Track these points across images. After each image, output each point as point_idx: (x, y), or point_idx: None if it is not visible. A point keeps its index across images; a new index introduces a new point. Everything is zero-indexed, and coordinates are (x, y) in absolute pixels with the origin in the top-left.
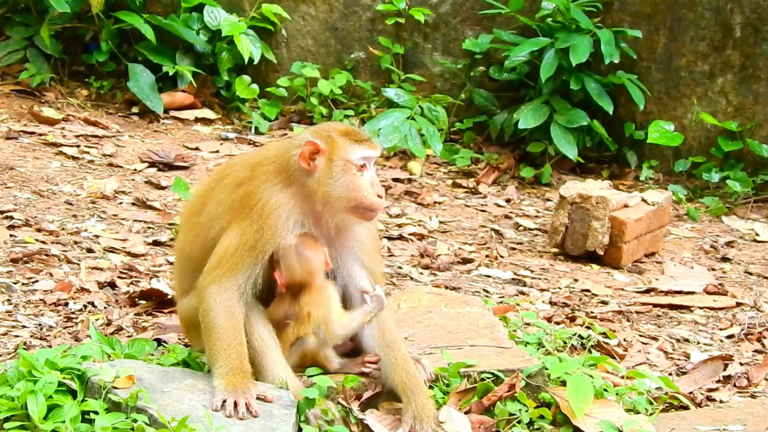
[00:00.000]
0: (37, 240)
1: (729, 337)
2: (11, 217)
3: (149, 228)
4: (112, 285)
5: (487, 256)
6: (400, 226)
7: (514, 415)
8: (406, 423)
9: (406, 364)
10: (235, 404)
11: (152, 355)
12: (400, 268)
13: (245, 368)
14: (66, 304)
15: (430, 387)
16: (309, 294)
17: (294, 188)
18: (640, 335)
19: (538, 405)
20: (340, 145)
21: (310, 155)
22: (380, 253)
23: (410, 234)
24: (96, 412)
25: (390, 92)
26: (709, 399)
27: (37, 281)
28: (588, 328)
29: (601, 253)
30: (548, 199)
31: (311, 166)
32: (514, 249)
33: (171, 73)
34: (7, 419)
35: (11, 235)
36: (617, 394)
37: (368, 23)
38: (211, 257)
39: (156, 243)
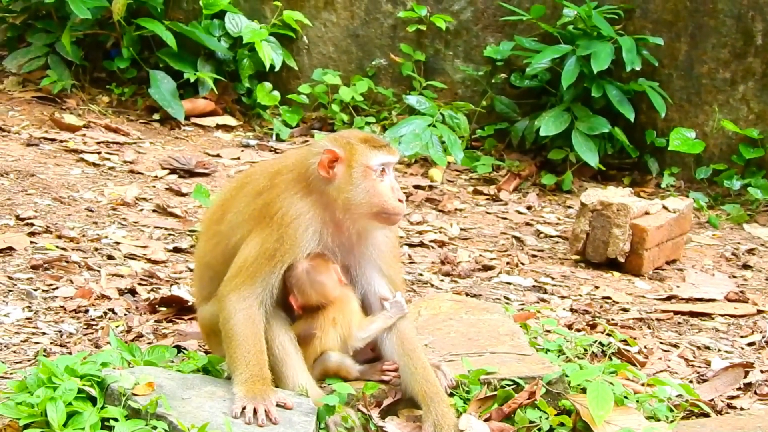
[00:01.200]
0: (57, 247)
1: (750, 344)
2: (32, 224)
3: (170, 235)
4: (133, 292)
5: (507, 263)
6: (420, 233)
7: (534, 422)
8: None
9: (425, 373)
10: (255, 411)
11: (172, 362)
12: (420, 275)
13: (265, 375)
14: (86, 311)
15: (450, 394)
16: (331, 305)
17: (313, 197)
18: (661, 342)
19: (559, 412)
20: (360, 151)
21: (329, 163)
22: (400, 261)
23: (431, 241)
24: (116, 419)
25: (411, 99)
26: (730, 406)
27: (57, 288)
28: (609, 335)
29: (622, 260)
30: (569, 207)
31: (330, 174)
32: (535, 256)
33: (192, 80)
34: (27, 426)
35: (32, 242)
36: (638, 401)
37: (390, 30)
38: (231, 266)
39: (176, 250)
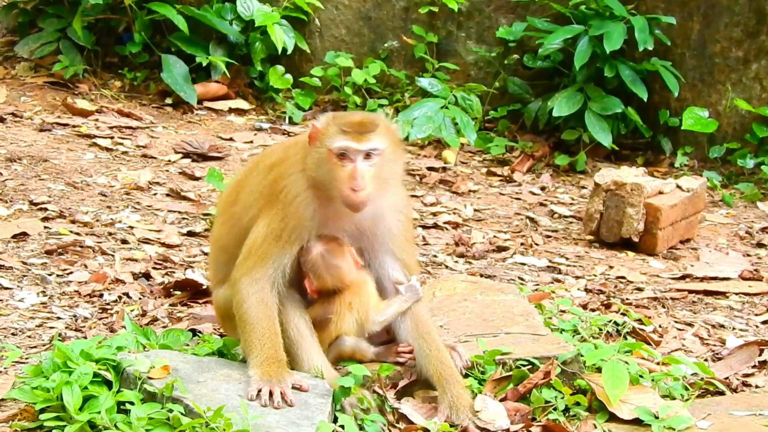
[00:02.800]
0: (71, 232)
1: (764, 322)
2: (45, 209)
3: (183, 219)
4: (147, 276)
5: (522, 243)
6: (434, 214)
7: (550, 402)
8: (442, 413)
9: (440, 355)
10: (271, 393)
11: (187, 345)
12: (435, 256)
13: (280, 357)
14: (101, 296)
15: (466, 375)
16: (347, 289)
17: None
18: (676, 321)
19: (574, 392)
20: (328, 132)
21: (312, 137)
22: (414, 243)
23: (445, 222)
24: (132, 403)
25: (424, 82)
26: (745, 384)
27: (71, 273)
28: (623, 314)
29: (636, 239)
30: (583, 187)
31: (311, 148)
32: (549, 237)
33: (204, 64)
34: (42, 410)
35: (46, 227)
36: (653, 380)
37: (402, 12)
38: (243, 248)
39: (190, 234)
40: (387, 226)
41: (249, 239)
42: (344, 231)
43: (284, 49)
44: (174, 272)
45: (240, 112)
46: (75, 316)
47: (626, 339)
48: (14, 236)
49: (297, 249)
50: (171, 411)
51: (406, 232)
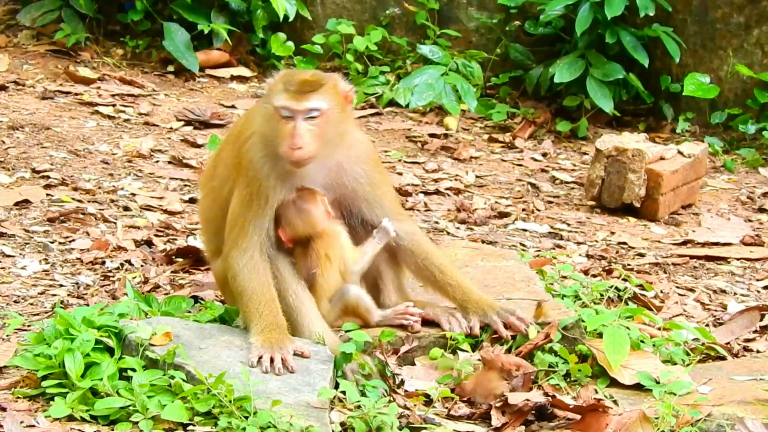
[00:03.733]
0: (73, 199)
1: (766, 287)
2: (48, 177)
3: (185, 186)
4: (149, 243)
5: (523, 209)
6: (436, 181)
7: (553, 367)
8: (460, 322)
9: (445, 278)
10: (272, 360)
11: (189, 312)
12: (436, 222)
13: (280, 323)
14: (103, 263)
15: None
16: (320, 239)
17: None
18: (677, 287)
19: (579, 361)
20: (275, 89)
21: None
22: (389, 187)
23: (447, 189)
24: (133, 370)
25: (425, 49)
26: (746, 349)
27: (73, 240)
28: (625, 280)
29: (638, 205)
30: (584, 153)
31: None
32: (551, 202)
33: (206, 32)
34: (45, 377)
35: (48, 195)
36: (654, 345)
37: None
38: (227, 223)
39: (192, 201)
40: (352, 177)
41: (229, 212)
42: (315, 185)
43: (286, 17)
44: (176, 239)
45: (242, 79)
46: (77, 283)
47: (627, 304)
48: (16, 204)
49: (272, 210)
50: (173, 377)
51: (374, 179)
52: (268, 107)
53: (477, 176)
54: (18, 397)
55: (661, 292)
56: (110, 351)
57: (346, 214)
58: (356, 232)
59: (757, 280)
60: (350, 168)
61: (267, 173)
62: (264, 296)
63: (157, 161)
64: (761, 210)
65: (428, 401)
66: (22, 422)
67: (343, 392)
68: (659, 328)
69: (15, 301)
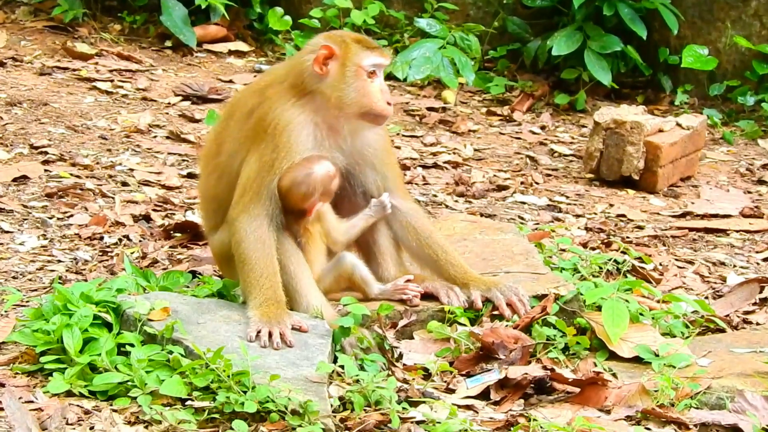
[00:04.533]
0: (71, 174)
1: (765, 259)
2: (46, 153)
3: (183, 161)
4: (147, 218)
5: (522, 182)
6: (434, 154)
7: (552, 340)
8: (458, 296)
9: (448, 257)
10: (270, 334)
11: (187, 287)
12: (435, 196)
13: (279, 298)
14: (101, 238)
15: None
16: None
17: (305, 100)
18: (676, 259)
19: (577, 332)
20: (353, 50)
21: (323, 60)
22: (394, 158)
23: (445, 162)
24: (132, 345)
25: (422, 22)
26: (746, 321)
27: (72, 215)
28: (623, 253)
29: (637, 177)
30: (583, 126)
31: (324, 71)
32: (549, 175)
33: (203, 6)
34: (43, 353)
35: (46, 170)
36: (653, 318)
37: None
38: (236, 188)
39: (190, 175)
40: (368, 141)
41: (242, 178)
42: (335, 150)
43: None
44: (174, 214)
45: (239, 54)
46: (75, 259)
47: (626, 277)
48: (15, 180)
49: None
50: (171, 352)
51: (385, 146)
52: (350, 69)
53: (475, 149)
54: (16, 373)
55: (660, 264)
56: (108, 326)
57: (349, 183)
58: (356, 204)
59: (757, 252)
60: (369, 132)
61: (304, 139)
62: (266, 268)
63: (155, 136)
64: (760, 182)
65: (427, 375)
66: (20, 398)
67: (342, 366)
68: (658, 301)
69: (13, 277)
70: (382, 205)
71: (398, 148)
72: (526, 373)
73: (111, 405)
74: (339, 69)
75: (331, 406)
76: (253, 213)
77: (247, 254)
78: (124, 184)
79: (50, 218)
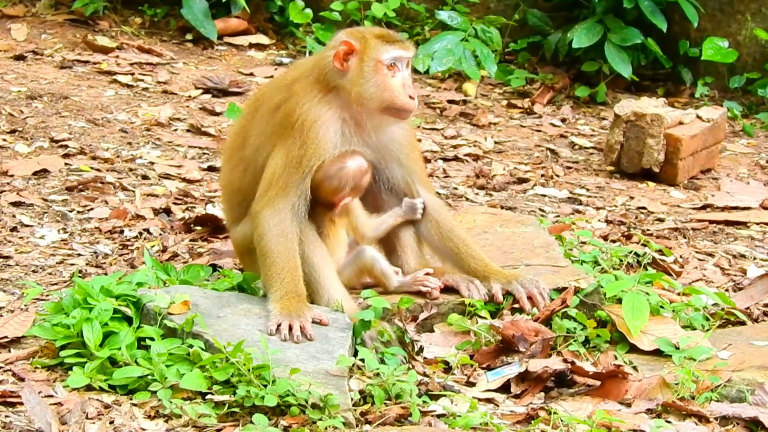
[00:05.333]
0: (92, 168)
1: None
2: (66, 146)
3: (204, 154)
4: (168, 211)
5: (542, 175)
6: (455, 147)
7: (572, 333)
8: (479, 289)
9: (469, 250)
10: (290, 328)
11: (207, 280)
12: (455, 188)
13: (300, 292)
14: (121, 232)
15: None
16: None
17: (331, 95)
18: (697, 252)
19: (597, 325)
20: (372, 45)
21: (344, 56)
22: (419, 152)
23: (465, 155)
24: (152, 339)
25: (443, 15)
26: (766, 314)
27: (92, 209)
28: (644, 245)
29: (657, 170)
30: (603, 118)
31: (344, 67)
32: (570, 168)
33: (224, 0)
34: (63, 347)
35: (66, 164)
36: (673, 310)
37: None
38: (261, 182)
39: (211, 169)
40: (393, 136)
41: (267, 172)
42: (362, 145)
43: None
44: (194, 207)
45: (260, 47)
46: (95, 252)
47: (647, 270)
48: (35, 173)
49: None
50: (191, 346)
51: (410, 140)
52: (369, 64)
53: (496, 142)
54: (36, 367)
55: (681, 257)
56: (128, 320)
57: (374, 178)
58: (380, 199)
59: None
60: (395, 126)
61: (332, 135)
62: (288, 262)
63: (176, 129)
64: None
65: (447, 368)
66: (40, 392)
67: (362, 360)
68: (678, 294)
69: (33, 271)
70: (413, 207)
71: (419, 140)
72: (547, 366)
73: (131, 399)
74: (358, 64)
75: (352, 399)
76: (277, 207)
77: (269, 248)
78: (145, 177)
79: (70, 212)
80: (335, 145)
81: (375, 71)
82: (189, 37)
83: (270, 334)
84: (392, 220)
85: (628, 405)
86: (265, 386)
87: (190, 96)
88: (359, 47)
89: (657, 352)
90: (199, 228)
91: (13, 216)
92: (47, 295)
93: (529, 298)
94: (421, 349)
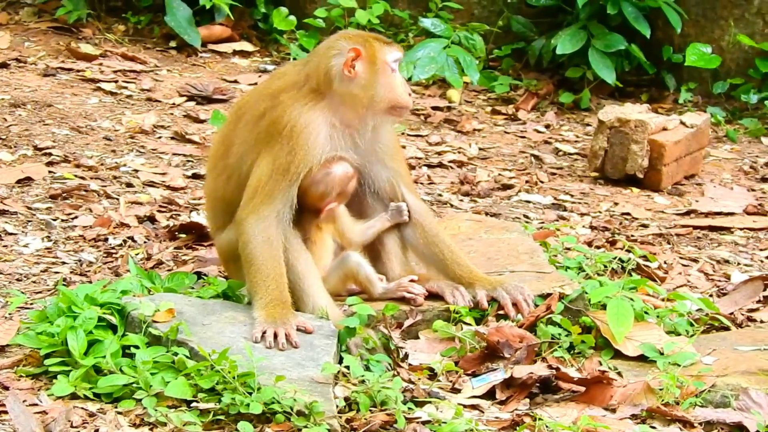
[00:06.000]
0: (76, 176)
1: None
2: (50, 154)
3: (188, 161)
4: (152, 219)
5: (527, 181)
6: (439, 153)
7: (557, 339)
8: (463, 296)
9: (454, 256)
10: (275, 335)
11: (192, 288)
12: (440, 195)
13: (285, 299)
14: (105, 240)
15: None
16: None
17: (324, 103)
18: (681, 257)
19: (582, 331)
20: (377, 48)
21: (351, 62)
22: (404, 156)
23: (450, 161)
24: (137, 347)
25: (426, 22)
26: (750, 319)
27: (76, 217)
28: (628, 251)
29: (641, 176)
30: (587, 124)
31: (352, 73)
32: (554, 174)
33: (208, 7)
34: (47, 355)
35: (50, 172)
36: (658, 316)
37: None
38: (246, 189)
39: (195, 176)
40: (380, 138)
41: (253, 179)
42: (349, 149)
43: None
44: (179, 215)
45: (244, 54)
46: (80, 260)
47: (631, 276)
48: (19, 181)
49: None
50: (176, 354)
51: (395, 142)
52: (378, 67)
53: (480, 149)
54: (21, 376)
55: (665, 262)
56: (113, 328)
57: (360, 183)
58: (365, 204)
59: (761, 249)
60: (383, 128)
61: (322, 141)
62: (273, 269)
63: (160, 137)
64: (764, 179)
65: (432, 375)
66: (24, 401)
67: (347, 367)
68: (663, 299)
69: (17, 279)
70: (399, 211)
71: (403, 147)
72: (532, 373)
73: (116, 407)
74: (369, 68)
75: (337, 406)
76: (263, 214)
77: (255, 255)
78: (129, 185)
79: (54, 220)
80: (324, 151)
81: (383, 73)
82: (173, 44)
83: (255, 342)
84: (379, 225)
85: (613, 411)
86: (251, 394)
87: (174, 103)
88: (365, 52)
89: (641, 358)
90: (183, 236)
91: None
92: (31, 304)
93: (514, 304)
94: (406, 355)
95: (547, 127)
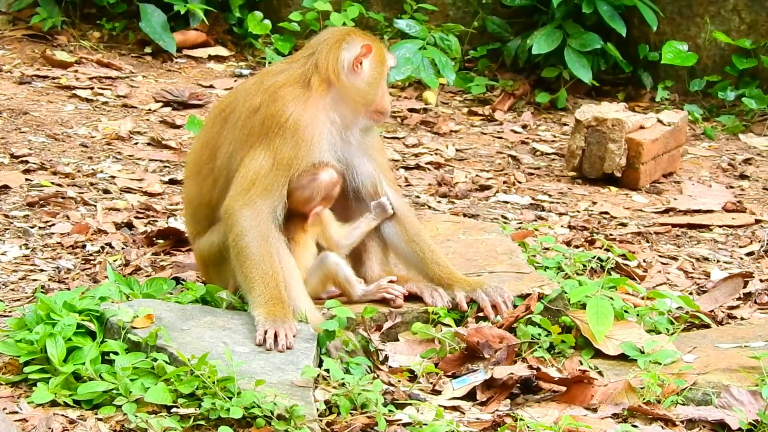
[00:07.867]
0: (53, 183)
1: (749, 254)
2: (27, 162)
3: (165, 167)
4: (130, 225)
5: (504, 182)
6: (416, 155)
7: (536, 339)
8: (442, 297)
9: (434, 256)
10: (276, 336)
11: (171, 293)
12: (417, 197)
13: (284, 298)
14: (83, 246)
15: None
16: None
17: (327, 99)
18: (660, 256)
19: (562, 331)
20: (383, 50)
21: (360, 57)
22: (386, 155)
23: (427, 163)
24: (116, 353)
25: (402, 24)
26: (730, 317)
27: (54, 224)
28: (607, 250)
29: (619, 175)
30: (564, 124)
31: (358, 69)
32: (532, 174)
33: (182, 12)
34: (27, 363)
35: (27, 179)
36: (638, 315)
37: None
38: (239, 180)
39: (172, 182)
40: (367, 137)
41: (248, 171)
42: (347, 145)
43: None
44: (156, 221)
45: (219, 59)
46: (58, 267)
47: (610, 275)
48: None
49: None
50: (155, 360)
51: (378, 146)
52: (382, 69)
53: (457, 150)
54: (0, 384)
55: (644, 261)
56: (92, 335)
57: (345, 186)
58: (347, 206)
59: (740, 246)
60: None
61: (326, 136)
62: (271, 267)
63: (136, 143)
64: (742, 176)
65: (413, 377)
66: (4, 408)
67: (327, 370)
68: (643, 298)
69: None
70: (382, 207)
71: None
72: (512, 373)
73: (96, 414)
74: (375, 67)
75: (317, 410)
76: (258, 208)
77: (250, 249)
78: (106, 191)
79: (32, 227)
80: (326, 146)
81: (382, 76)
82: (148, 50)
83: (258, 345)
84: (365, 226)
85: (594, 410)
86: (231, 398)
87: (150, 109)
88: (374, 51)
89: (622, 357)
90: (161, 241)
91: None
92: (10, 311)
93: (494, 306)
94: (386, 358)
95: (524, 127)
